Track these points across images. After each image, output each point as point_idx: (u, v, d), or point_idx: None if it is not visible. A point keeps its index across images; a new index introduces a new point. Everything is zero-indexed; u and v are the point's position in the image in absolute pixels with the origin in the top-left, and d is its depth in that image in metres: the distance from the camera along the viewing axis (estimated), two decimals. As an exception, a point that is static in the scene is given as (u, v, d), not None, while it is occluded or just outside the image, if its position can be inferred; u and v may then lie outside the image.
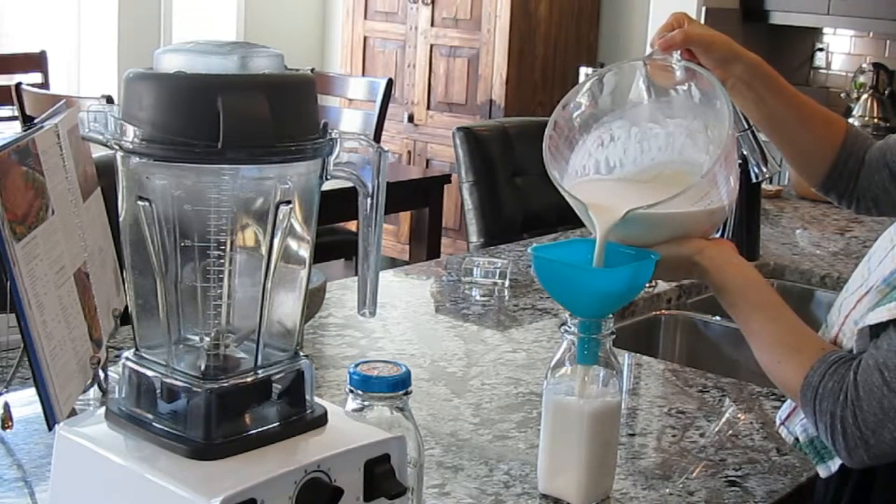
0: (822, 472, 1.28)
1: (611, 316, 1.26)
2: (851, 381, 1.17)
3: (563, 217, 3.07)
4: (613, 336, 1.26)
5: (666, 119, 1.36)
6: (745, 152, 2.11)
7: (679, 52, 1.37)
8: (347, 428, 1.05)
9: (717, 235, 2.39)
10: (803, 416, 1.28)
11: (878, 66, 4.97)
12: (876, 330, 1.18)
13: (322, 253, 3.49)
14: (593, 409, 1.25)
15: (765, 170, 2.10)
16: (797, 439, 1.31)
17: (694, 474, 1.37)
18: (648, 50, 1.40)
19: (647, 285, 2.16)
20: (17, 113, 4.08)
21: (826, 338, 1.30)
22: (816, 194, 3.49)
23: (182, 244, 0.99)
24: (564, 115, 1.35)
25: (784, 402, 1.35)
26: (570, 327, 1.25)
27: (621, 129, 1.36)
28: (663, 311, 2.23)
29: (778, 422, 1.35)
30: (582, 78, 5.05)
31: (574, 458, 1.26)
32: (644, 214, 1.22)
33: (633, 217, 1.22)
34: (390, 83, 4.54)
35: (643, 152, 1.36)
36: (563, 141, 1.35)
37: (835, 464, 1.26)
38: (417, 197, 3.98)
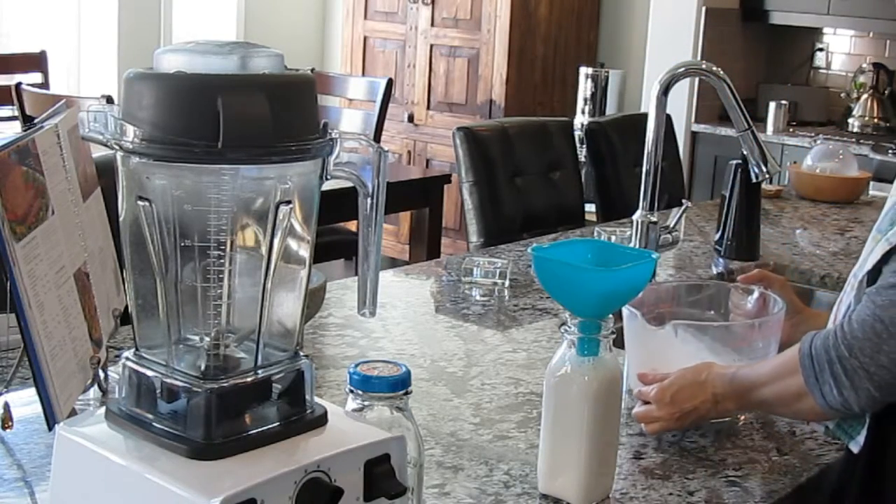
0: (854, 447, 1.34)
1: (611, 316, 1.26)
2: (839, 325, 1.27)
3: (563, 217, 3.07)
4: (613, 336, 1.26)
5: (727, 348, 1.51)
6: (745, 152, 2.11)
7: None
8: (347, 428, 1.05)
9: (718, 234, 2.39)
10: None
11: (878, 66, 4.97)
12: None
13: (322, 253, 3.49)
14: (596, 374, 1.25)
15: (765, 170, 2.10)
16: (827, 427, 1.38)
17: (694, 474, 1.37)
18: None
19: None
20: (17, 113, 4.08)
21: None
22: (816, 194, 3.47)
23: (182, 244, 0.99)
24: (649, 295, 1.60)
25: None
26: (570, 327, 1.25)
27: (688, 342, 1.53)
28: (663, 311, 2.22)
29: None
30: (582, 78, 5.06)
31: (574, 457, 1.26)
32: None
33: None
34: (390, 83, 4.54)
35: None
36: (645, 310, 1.55)
37: (861, 436, 1.32)
38: (417, 197, 3.98)
